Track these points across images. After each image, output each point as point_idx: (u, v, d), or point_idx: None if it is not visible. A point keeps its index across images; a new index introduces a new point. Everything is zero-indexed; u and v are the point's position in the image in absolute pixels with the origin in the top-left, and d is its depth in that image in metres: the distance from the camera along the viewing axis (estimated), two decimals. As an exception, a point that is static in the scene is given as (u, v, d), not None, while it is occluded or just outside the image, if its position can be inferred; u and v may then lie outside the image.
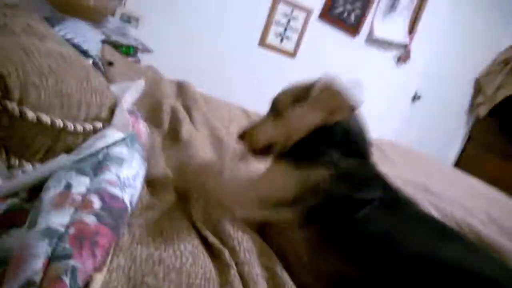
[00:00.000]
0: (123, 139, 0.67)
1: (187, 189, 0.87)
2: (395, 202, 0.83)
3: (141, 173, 0.70)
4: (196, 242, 0.72)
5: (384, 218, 0.76)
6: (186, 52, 2.44)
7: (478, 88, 3.60)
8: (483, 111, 3.47)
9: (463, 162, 3.81)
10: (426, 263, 0.69)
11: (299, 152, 0.89)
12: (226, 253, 0.70)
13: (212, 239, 0.73)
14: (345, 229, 0.75)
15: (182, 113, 1.28)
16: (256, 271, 0.70)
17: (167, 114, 1.23)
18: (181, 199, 0.86)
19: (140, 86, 0.91)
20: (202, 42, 2.46)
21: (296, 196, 0.79)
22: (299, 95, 0.92)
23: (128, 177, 0.61)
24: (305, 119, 0.88)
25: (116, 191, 0.56)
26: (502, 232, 1.35)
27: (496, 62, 3.48)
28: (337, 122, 0.89)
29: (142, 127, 0.82)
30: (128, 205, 0.59)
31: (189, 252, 0.66)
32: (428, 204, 1.33)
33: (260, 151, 0.97)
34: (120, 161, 0.62)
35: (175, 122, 1.22)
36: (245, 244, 0.74)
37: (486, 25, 3.43)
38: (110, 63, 1.26)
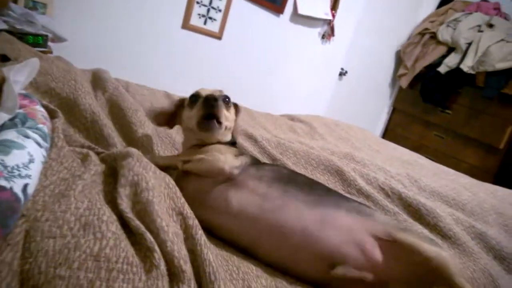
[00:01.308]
0: (12, 121, 0.61)
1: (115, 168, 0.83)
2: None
3: (38, 158, 0.63)
4: (118, 224, 0.68)
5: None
6: (105, 41, 2.28)
7: (399, 60, 3.79)
8: (404, 82, 3.66)
9: (389, 132, 4.02)
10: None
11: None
12: (148, 235, 0.66)
13: (134, 222, 0.69)
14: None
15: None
16: (182, 253, 0.68)
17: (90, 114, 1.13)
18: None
19: (34, 65, 0.82)
20: (121, 28, 2.32)
21: (238, 152, 1.04)
22: None
23: (18, 164, 0.55)
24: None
25: (1, 181, 0.51)
26: (421, 192, 1.44)
27: (413, 34, 3.67)
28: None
29: (39, 112, 0.75)
30: (21, 195, 0.53)
31: (112, 233, 0.62)
32: (352, 171, 1.38)
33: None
34: (5, 148, 0.56)
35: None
36: (171, 228, 0.71)
37: (404, -2, 3.61)
38: (5, 58, 1.12)
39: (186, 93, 1.99)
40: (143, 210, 0.70)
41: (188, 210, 0.77)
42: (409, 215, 1.23)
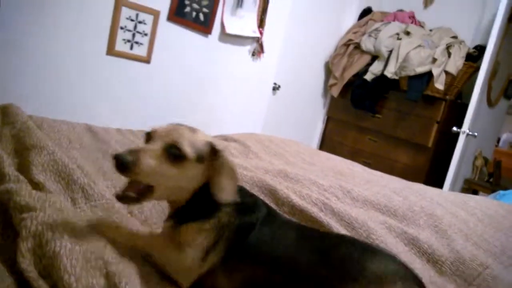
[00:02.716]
0: None
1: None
2: (271, 217, 0.93)
3: None
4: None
5: (265, 233, 0.87)
6: (17, 74, 2.13)
7: (328, 71, 3.92)
8: (335, 91, 3.79)
9: (326, 140, 4.13)
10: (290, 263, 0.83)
11: (196, 204, 0.87)
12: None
13: (37, 283, 0.63)
14: (246, 250, 0.84)
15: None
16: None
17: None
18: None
19: None
20: (36, 59, 2.18)
21: (214, 237, 0.83)
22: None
23: None
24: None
25: None
26: (355, 202, 1.47)
27: (339, 46, 3.82)
28: None
29: None
30: None
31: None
32: (286, 189, 1.38)
33: (139, 191, 0.80)
34: None
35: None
36: (83, 280, 0.66)
37: (327, 11, 3.75)
38: None
39: (112, 124, 1.93)
40: (50, 265, 0.64)
41: (110, 255, 0.72)
42: (343, 227, 1.25)
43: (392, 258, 0.89)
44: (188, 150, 0.79)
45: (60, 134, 1.39)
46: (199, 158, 0.83)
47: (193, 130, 0.86)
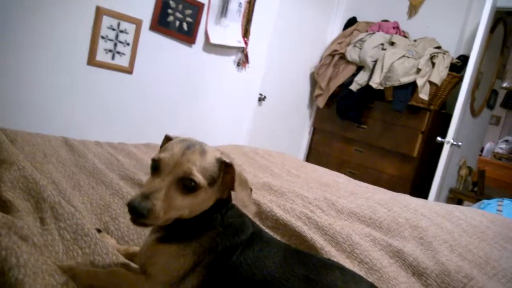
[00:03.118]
0: None
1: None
2: (257, 236, 0.90)
3: None
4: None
5: (248, 256, 0.84)
6: (1, 86, 2.09)
7: (314, 81, 3.93)
8: (321, 102, 3.79)
9: (313, 151, 4.12)
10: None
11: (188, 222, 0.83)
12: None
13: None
14: (227, 273, 0.81)
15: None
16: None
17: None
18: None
19: None
20: (16, 67, 2.13)
21: (194, 262, 0.79)
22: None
23: None
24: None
25: None
26: (339, 214, 1.45)
27: (324, 56, 3.83)
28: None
29: None
30: None
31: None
32: (270, 203, 1.35)
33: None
34: None
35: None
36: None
37: (312, 21, 3.77)
38: None
39: (92, 137, 1.87)
40: (11, 294, 0.60)
41: (73, 285, 0.68)
42: (327, 242, 1.22)
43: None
44: (201, 179, 0.77)
45: (35, 148, 1.34)
46: (211, 183, 0.81)
47: (202, 151, 0.81)
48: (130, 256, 0.95)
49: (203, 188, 0.78)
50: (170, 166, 0.77)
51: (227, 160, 0.84)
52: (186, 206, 0.78)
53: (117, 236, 1.05)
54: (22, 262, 0.64)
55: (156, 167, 0.78)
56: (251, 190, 0.89)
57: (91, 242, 0.88)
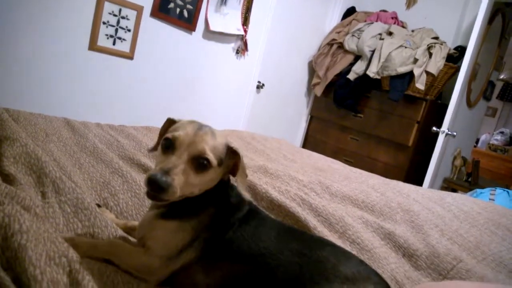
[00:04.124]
0: None
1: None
2: (253, 215, 0.94)
3: None
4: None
5: (245, 231, 0.88)
6: (5, 70, 2.10)
7: (312, 70, 3.94)
8: (318, 91, 3.81)
9: (309, 139, 4.16)
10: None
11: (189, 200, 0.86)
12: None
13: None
14: (223, 247, 0.85)
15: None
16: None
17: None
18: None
19: None
20: (19, 52, 2.15)
21: (192, 237, 0.83)
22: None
23: None
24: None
25: None
26: (333, 197, 1.48)
27: (323, 45, 3.84)
28: None
29: None
30: None
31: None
32: (265, 184, 1.39)
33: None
34: None
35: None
36: (48, 275, 0.64)
37: (311, 10, 3.77)
38: None
39: (93, 120, 1.90)
40: (13, 257, 0.62)
41: (74, 254, 0.71)
42: (320, 223, 1.26)
43: (364, 264, 0.91)
44: (213, 158, 0.81)
45: (36, 127, 1.37)
46: (220, 163, 0.85)
47: (213, 134, 0.85)
48: (128, 230, 0.99)
49: (214, 167, 0.82)
50: (184, 144, 0.80)
51: (234, 147, 0.89)
52: (197, 184, 0.82)
53: (116, 212, 1.08)
54: (25, 228, 0.67)
55: (169, 145, 0.81)
56: (246, 176, 0.94)
57: (90, 216, 0.91)
